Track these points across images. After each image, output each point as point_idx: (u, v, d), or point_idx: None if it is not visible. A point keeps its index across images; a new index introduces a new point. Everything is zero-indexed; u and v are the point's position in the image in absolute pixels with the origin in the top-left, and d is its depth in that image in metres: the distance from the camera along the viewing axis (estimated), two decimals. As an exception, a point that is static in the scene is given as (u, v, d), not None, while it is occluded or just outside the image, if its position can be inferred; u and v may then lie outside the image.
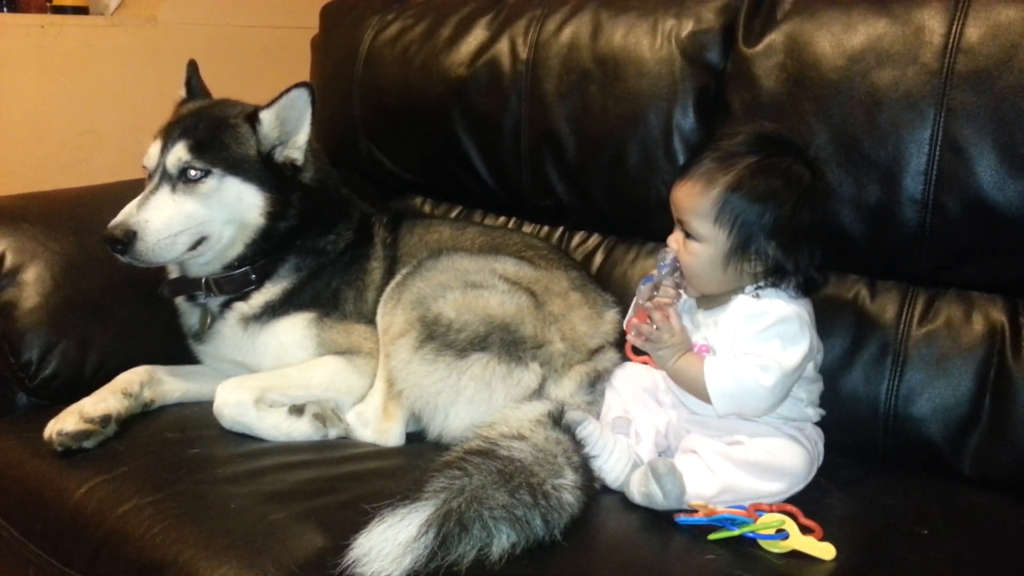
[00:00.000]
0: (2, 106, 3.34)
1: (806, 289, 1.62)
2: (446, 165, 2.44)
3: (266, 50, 3.84)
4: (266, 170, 1.89)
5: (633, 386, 1.73)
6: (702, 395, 1.56)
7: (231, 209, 1.86)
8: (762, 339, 1.54)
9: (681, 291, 1.64)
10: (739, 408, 1.55)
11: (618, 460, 1.57)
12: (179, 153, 1.83)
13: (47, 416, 1.74)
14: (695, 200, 1.59)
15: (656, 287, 1.62)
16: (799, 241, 1.58)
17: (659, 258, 1.64)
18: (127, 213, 1.79)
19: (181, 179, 1.83)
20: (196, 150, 1.84)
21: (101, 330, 1.96)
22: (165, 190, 1.83)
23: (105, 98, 3.53)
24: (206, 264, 1.91)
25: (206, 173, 1.83)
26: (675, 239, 1.65)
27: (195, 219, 1.82)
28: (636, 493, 1.51)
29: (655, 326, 1.58)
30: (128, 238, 1.76)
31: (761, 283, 1.60)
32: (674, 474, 1.48)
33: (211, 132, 1.87)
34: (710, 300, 1.66)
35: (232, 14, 3.82)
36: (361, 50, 2.54)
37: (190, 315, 1.99)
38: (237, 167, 1.86)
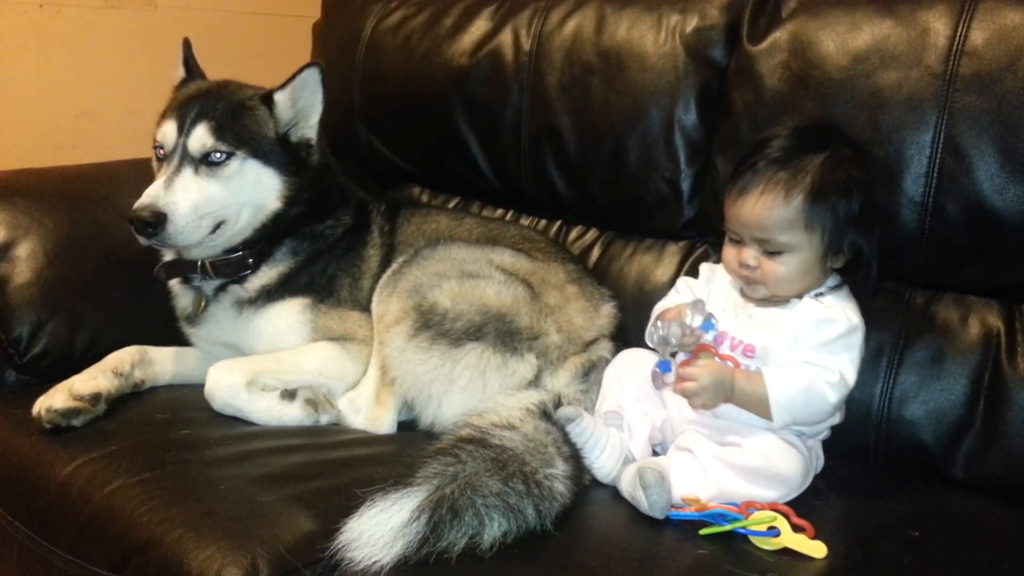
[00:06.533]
0: (-2, 85, 3.32)
1: (877, 276, 1.63)
2: (445, 156, 2.43)
3: (265, 37, 3.82)
4: (283, 152, 1.88)
5: (635, 375, 1.69)
6: (762, 412, 1.52)
7: (250, 192, 1.85)
8: (832, 351, 1.53)
9: (711, 319, 1.57)
10: (797, 421, 1.53)
11: (609, 456, 1.56)
12: (202, 135, 1.81)
13: (36, 393, 1.72)
14: (777, 213, 1.54)
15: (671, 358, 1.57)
16: (873, 222, 1.60)
17: (662, 334, 1.56)
18: (154, 195, 1.75)
19: (203, 162, 1.81)
20: (219, 132, 1.82)
21: (93, 309, 1.95)
22: (188, 172, 1.80)
23: (102, 81, 3.50)
24: (211, 247, 1.88)
25: (229, 156, 1.82)
26: (751, 256, 1.57)
27: (217, 202, 1.80)
28: (626, 491, 1.50)
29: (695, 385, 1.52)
30: (158, 220, 1.72)
31: (831, 283, 1.60)
32: (662, 486, 1.44)
33: (231, 114, 1.85)
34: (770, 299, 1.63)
35: (232, 0, 3.79)
36: (363, 38, 2.53)
37: (183, 297, 1.98)
38: (258, 150, 1.85)
